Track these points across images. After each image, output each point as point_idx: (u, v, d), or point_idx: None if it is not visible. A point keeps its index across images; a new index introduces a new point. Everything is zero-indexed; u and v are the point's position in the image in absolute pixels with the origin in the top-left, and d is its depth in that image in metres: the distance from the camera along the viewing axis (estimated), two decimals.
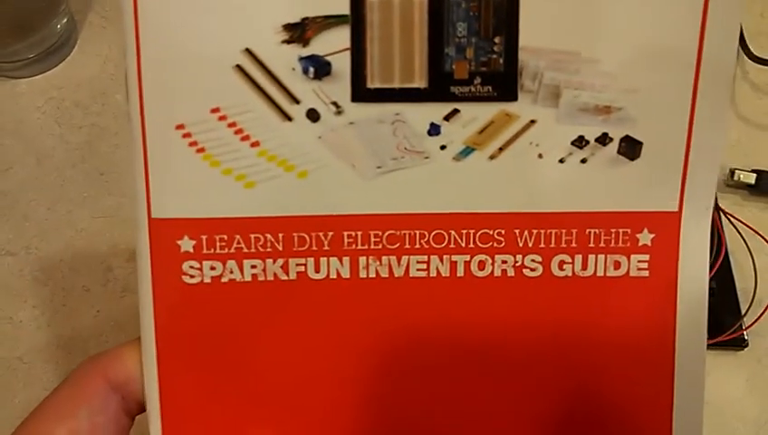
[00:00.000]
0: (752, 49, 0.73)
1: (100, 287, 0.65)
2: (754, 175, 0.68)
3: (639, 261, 0.36)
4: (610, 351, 0.37)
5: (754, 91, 0.75)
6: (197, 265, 0.36)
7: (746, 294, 0.63)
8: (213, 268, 0.36)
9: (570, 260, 0.36)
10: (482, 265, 0.36)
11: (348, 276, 0.36)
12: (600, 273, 0.36)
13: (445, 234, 0.36)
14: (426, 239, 0.36)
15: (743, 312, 0.63)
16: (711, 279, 0.61)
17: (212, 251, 0.36)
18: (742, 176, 0.68)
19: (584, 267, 0.36)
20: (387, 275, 0.36)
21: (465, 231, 0.36)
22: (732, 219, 0.65)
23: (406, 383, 0.37)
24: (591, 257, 0.36)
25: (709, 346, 0.60)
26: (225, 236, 0.36)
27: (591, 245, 0.36)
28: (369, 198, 0.36)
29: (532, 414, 0.37)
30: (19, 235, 0.66)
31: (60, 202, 0.68)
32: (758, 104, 0.74)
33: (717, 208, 0.65)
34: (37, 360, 0.62)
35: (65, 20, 0.73)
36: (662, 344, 0.37)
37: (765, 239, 0.64)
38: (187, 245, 0.36)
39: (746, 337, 0.62)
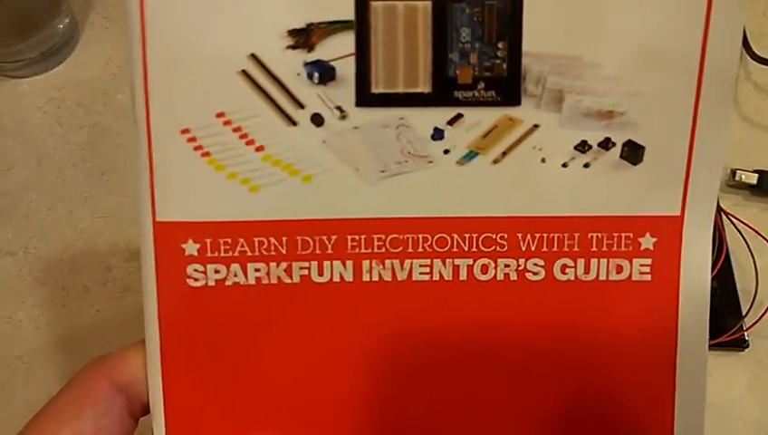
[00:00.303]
0: (754, 49, 0.73)
1: (100, 287, 0.65)
2: (756, 175, 0.68)
3: (642, 265, 0.36)
4: (613, 353, 0.37)
5: (757, 91, 0.75)
6: (202, 269, 0.36)
7: (747, 295, 0.63)
8: (217, 271, 0.36)
9: (572, 264, 0.36)
10: (485, 269, 0.37)
11: (351, 280, 0.37)
12: (603, 277, 0.37)
13: (448, 238, 0.36)
14: (429, 243, 0.36)
15: (744, 312, 0.63)
16: (712, 280, 0.61)
17: (216, 254, 0.36)
18: (743, 176, 0.68)
19: (587, 271, 0.37)
20: (390, 279, 0.37)
21: (468, 235, 0.36)
22: (733, 220, 0.65)
23: (409, 386, 0.38)
24: (594, 261, 0.36)
25: (710, 347, 0.59)
26: (230, 240, 0.36)
27: (594, 249, 0.36)
28: (372, 201, 0.36)
29: (535, 417, 0.38)
30: (19, 234, 0.67)
31: (60, 202, 0.68)
32: (761, 104, 0.74)
33: (719, 209, 0.65)
34: (36, 360, 0.62)
35: (67, 20, 0.73)
36: (664, 347, 0.37)
37: (766, 240, 0.64)
38: (191, 248, 0.36)
39: (747, 338, 0.63)
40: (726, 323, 0.62)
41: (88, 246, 0.66)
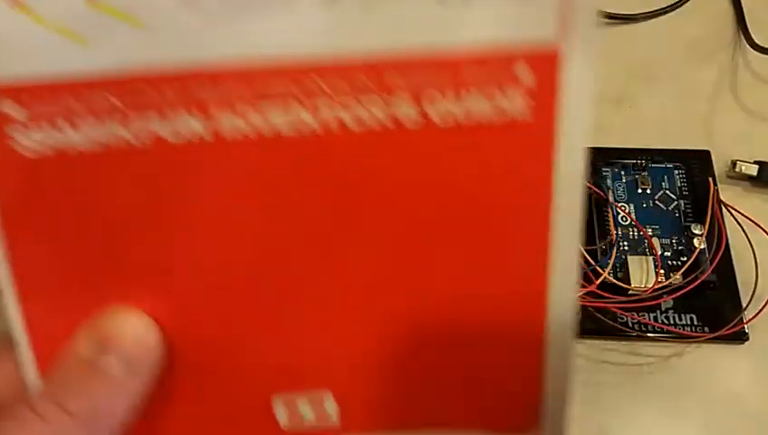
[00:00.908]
0: (754, 38, 0.70)
1: None
2: (756, 166, 0.65)
3: (520, 100, 0.31)
4: (490, 198, 0.32)
5: (757, 80, 0.72)
6: (30, 134, 0.31)
7: (747, 288, 0.60)
8: (49, 136, 0.31)
9: (448, 103, 0.31)
10: (354, 115, 0.31)
11: (205, 134, 0.31)
12: (478, 114, 0.31)
13: (310, 82, 0.30)
14: (290, 90, 0.30)
15: (744, 305, 0.59)
16: (712, 272, 0.59)
17: (43, 117, 0.31)
18: (743, 167, 0.65)
19: (463, 110, 0.31)
20: (252, 134, 0.31)
21: (332, 78, 0.30)
22: (733, 212, 0.62)
23: (275, 245, 0.33)
24: (469, 98, 0.31)
25: (710, 340, 0.58)
26: (57, 99, 0.31)
27: (469, 83, 0.31)
28: (220, 45, 0.30)
29: (406, 254, 0.33)
30: None
31: None
32: (760, 94, 0.71)
33: (718, 201, 0.62)
34: None
35: None
36: (540, 193, 0.32)
37: (767, 232, 0.61)
38: (12, 109, 0.31)
39: (747, 331, 0.59)
40: (726, 316, 0.59)
41: None
